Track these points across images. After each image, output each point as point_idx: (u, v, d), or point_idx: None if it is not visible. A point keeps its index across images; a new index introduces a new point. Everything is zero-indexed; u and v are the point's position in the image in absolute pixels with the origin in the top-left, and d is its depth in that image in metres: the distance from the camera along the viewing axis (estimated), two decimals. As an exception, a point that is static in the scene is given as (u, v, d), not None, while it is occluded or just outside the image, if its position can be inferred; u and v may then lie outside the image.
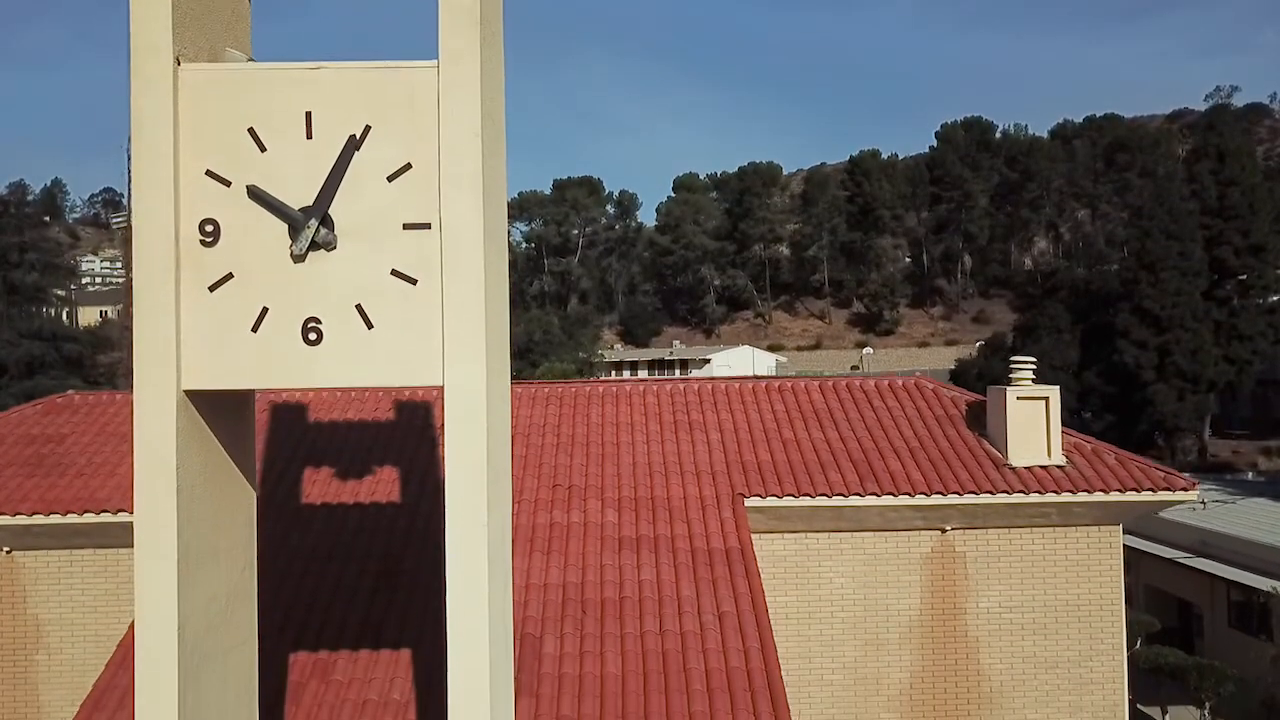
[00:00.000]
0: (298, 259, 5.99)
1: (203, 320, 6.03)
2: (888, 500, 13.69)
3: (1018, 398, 14.43)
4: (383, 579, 11.98)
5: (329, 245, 5.98)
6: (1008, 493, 13.75)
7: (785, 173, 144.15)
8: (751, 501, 13.63)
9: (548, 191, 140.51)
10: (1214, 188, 50.10)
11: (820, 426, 15.34)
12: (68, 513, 13.31)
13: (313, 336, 5.99)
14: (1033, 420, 14.39)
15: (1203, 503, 24.83)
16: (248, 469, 6.90)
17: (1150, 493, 13.84)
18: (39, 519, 13.32)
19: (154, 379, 6.00)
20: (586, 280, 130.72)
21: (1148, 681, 25.33)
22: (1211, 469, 49.20)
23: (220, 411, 6.42)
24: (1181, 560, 28.55)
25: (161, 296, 5.99)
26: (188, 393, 6.03)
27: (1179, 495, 14.01)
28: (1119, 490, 13.76)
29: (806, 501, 13.71)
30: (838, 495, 13.68)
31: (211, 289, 6.02)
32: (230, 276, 6.01)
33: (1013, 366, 14.94)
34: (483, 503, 6.12)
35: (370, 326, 6.03)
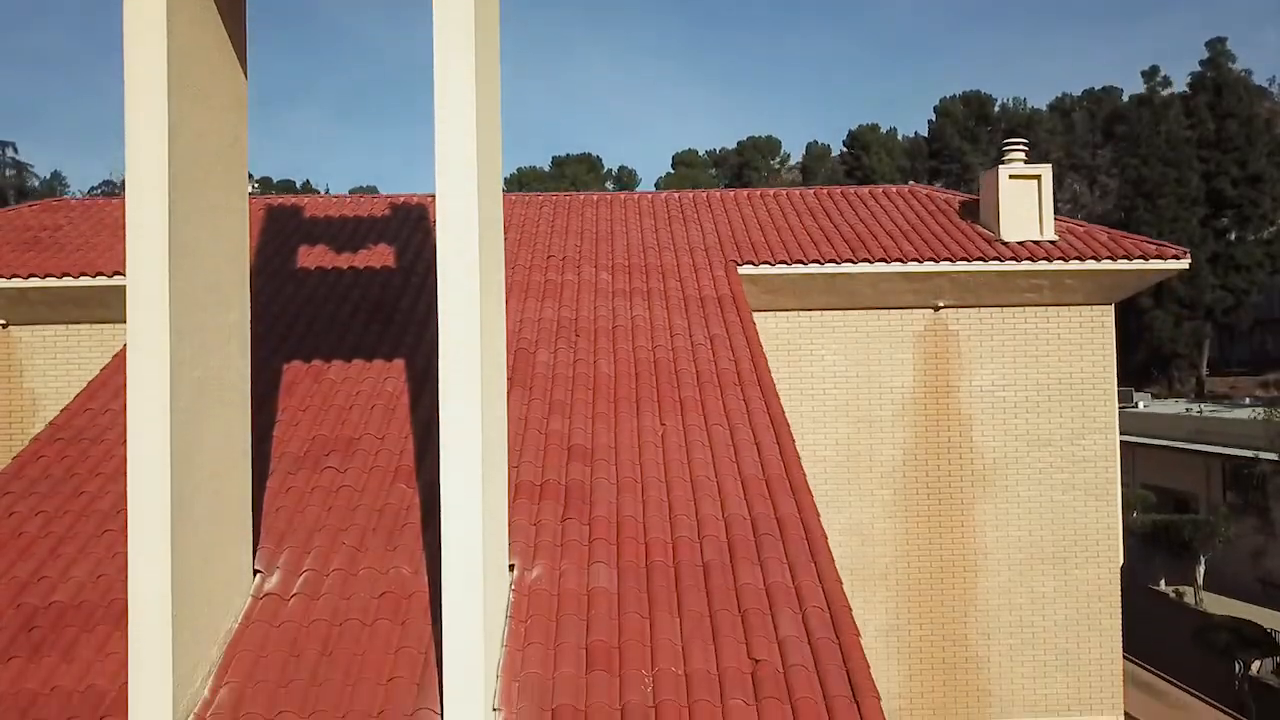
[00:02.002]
0: None
1: None
2: (879, 268, 13.73)
3: (1010, 176, 14.47)
4: (376, 314, 12.04)
5: None
6: (999, 260, 13.78)
7: (784, 148, 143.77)
8: (744, 270, 13.66)
9: (547, 168, 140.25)
10: (1211, 120, 50.01)
11: (813, 217, 15.40)
12: (64, 275, 13.35)
13: None
14: (1025, 198, 14.43)
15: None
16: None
17: (1141, 261, 13.88)
18: (35, 283, 13.37)
19: None
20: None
21: (1146, 551, 25.43)
22: (1208, 401, 49.21)
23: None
24: (1179, 445, 28.66)
25: None
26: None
27: (1170, 264, 14.04)
28: (1110, 259, 13.80)
29: (799, 269, 13.74)
30: (830, 263, 13.71)
31: None
32: None
33: (1005, 146, 14.98)
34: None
35: None
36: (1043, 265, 13.78)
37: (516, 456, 9.00)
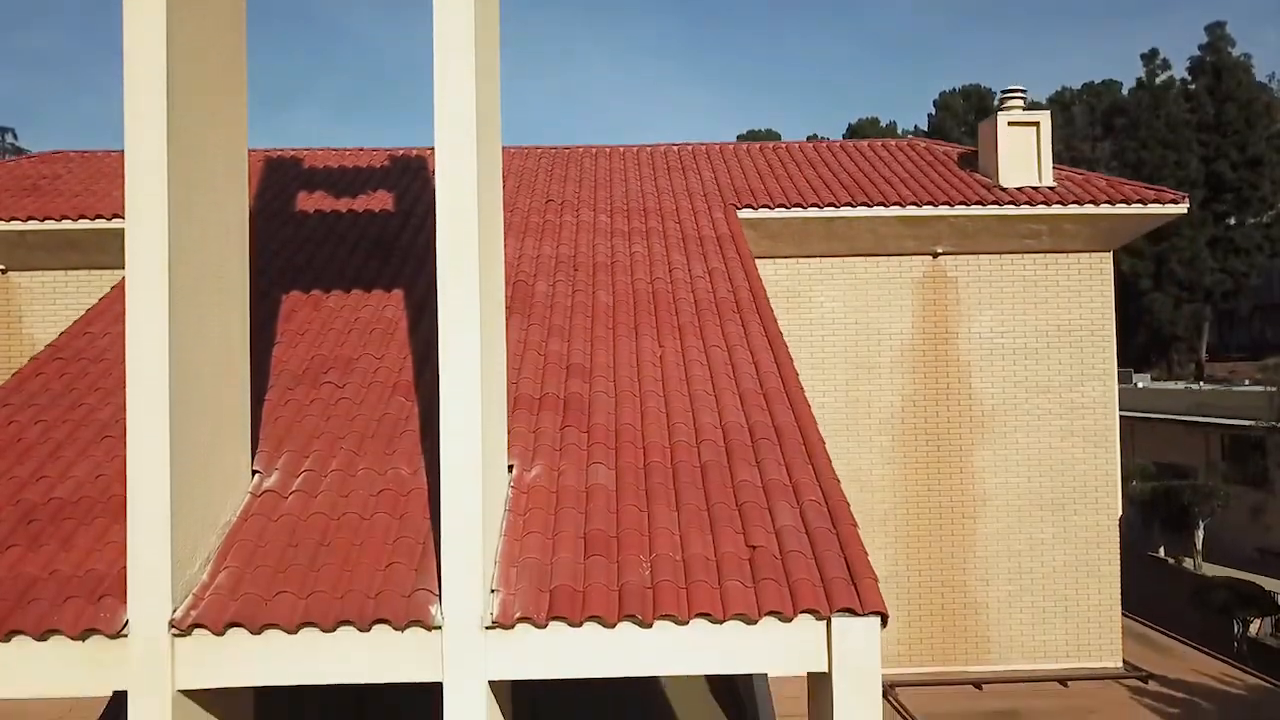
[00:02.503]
0: None
1: None
2: (878, 212, 13.75)
3: (1009, 123, 14.49)
4: (375, 250, 12.05)
5: None
6: (998, 205, 13.79)
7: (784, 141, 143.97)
8: (743, 214, 13.68)
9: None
10: (1211, 105, 50.01)
11: (813, 166, 15.42)
12: (63, 218, 13.37)
13: None
14: (1024, 145, 14.45)
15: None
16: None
17: (1140, 205, 13.90)
18: (34, 225, 13.38)
19: None
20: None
21: (1145, 520, 25.46)
22: (1207, 384, 49.21)
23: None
24: (1179, 418, 28.67)
25: None
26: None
27: (1169, 209, 14.07)
28: (1109, 203, 13.82)
29: (798, 214, 13.76)
30: (829, 207, 13.72)
31: None
32: None
33: (1004, 94, 14.99)
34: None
35: None
36: (1041, 210, 13.81)
37: (515, 374, 9.01)
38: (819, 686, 6.61)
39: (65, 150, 16.10)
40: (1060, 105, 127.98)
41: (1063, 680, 13.88)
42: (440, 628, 6.30)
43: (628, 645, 6.34)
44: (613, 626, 6.32)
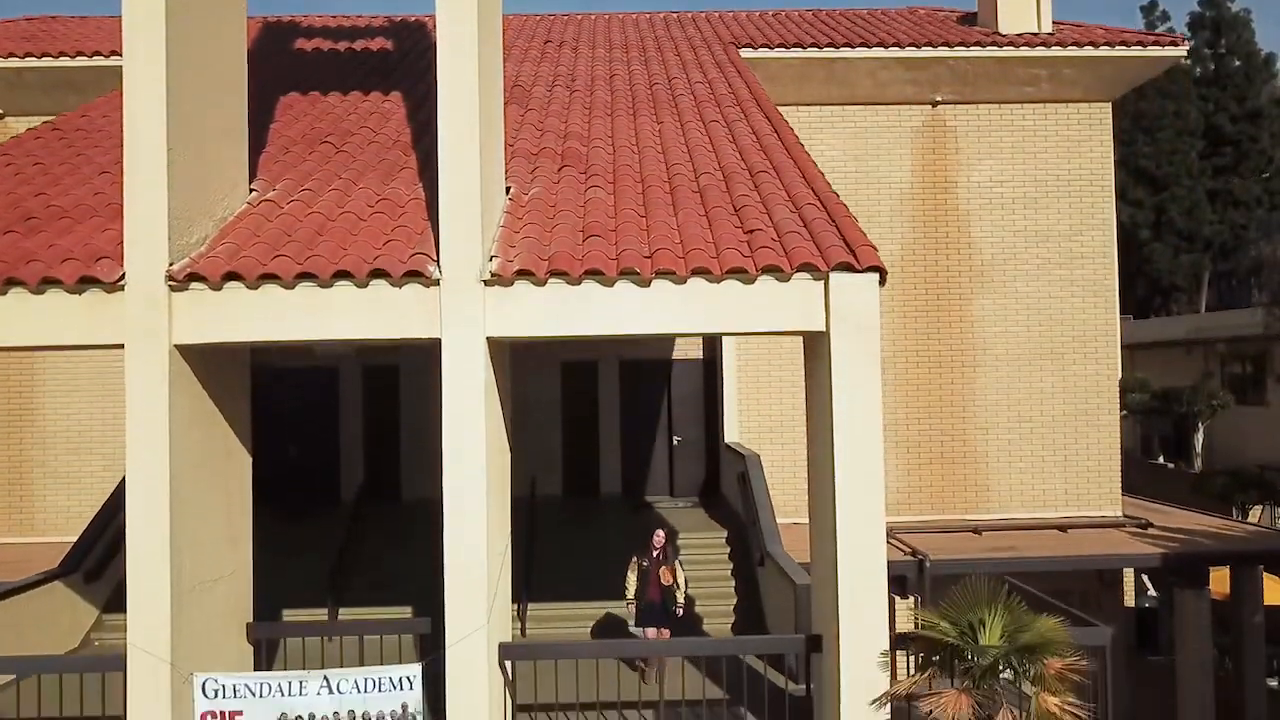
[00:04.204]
0: None
1: None
2: (878, 53, 13.69)
3: (1008, -29, 14.43)
4: (376, 69, 12.03)
5: None
6: (997, 46, 13.75)
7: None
8: (744, 54, 13.61)
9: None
10: (1211, 59, 49.87)
11: (814, 14, 15.44)
12: (60, 55, 13.36)
13: None
14: (1023, -5, 14.39)
15: None
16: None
17: (1140, 48, 13.87)
18: (31, 63, 13.38)
19: None
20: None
21: (1145, 430, 25.46)
22: (1209, 338, 49.29)
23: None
24: (1180, 339, 28.66)
25: None
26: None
27: (1169, 51, 14.04)
28: (1108, 45, 13.78)
29: (798, 54, 13.72)
30: (829, 48, 13.68)
31: None
32: None
33: (1002, -54, 14.92)
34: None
35: None
36: (1040, 52, 13.76)
37: (512, 136, 9.00)
38: (816, 353, 6.61)
39: (59, 14, 16.11)
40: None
41: (1062, 528, 13.85)
42: (438, 284, 6.30)
43: (627, 304, 6.35)
44: (611, 285, 6.34)
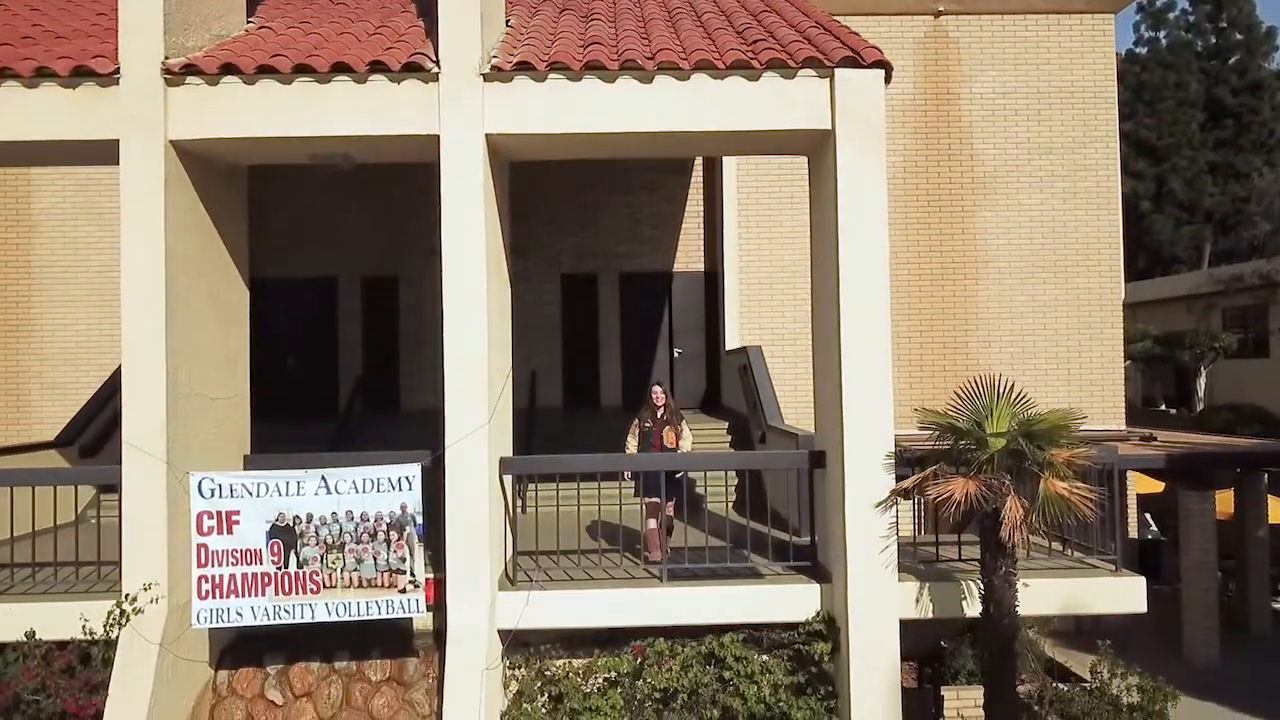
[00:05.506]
0: None
1: None
2: (880, -40, 13.63)
3: (1010, -119, 14.36)
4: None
5: None
6: (1000, -49, 13.68)
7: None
8: (743, -38, 13.52)
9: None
10: (1212, 33, 49.84)
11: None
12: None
13: None
14: (1026, -97, 14.32)
15: None
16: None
17: (1143, -45, 13.77)
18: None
19: None
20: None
21: (1146, 377, 25.37)
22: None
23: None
24: (1182, 294, 28.57)
25: None
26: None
27: (1172, -41, 13.94)
28: (1112, -49, 13.69)
29: (798, -39, 13.62)
30: (830, -46, 13.58)
31: None
32: None
33: None
34: None
35: None
36: (1043, -43, 13.69)
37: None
38: (820, 153, 6.52)
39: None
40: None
41: (1065, 440, 13.76)
42: (437, 79, 6.21)
43: (629, 102, 6.26)
44: (613, 81, 6.25)
